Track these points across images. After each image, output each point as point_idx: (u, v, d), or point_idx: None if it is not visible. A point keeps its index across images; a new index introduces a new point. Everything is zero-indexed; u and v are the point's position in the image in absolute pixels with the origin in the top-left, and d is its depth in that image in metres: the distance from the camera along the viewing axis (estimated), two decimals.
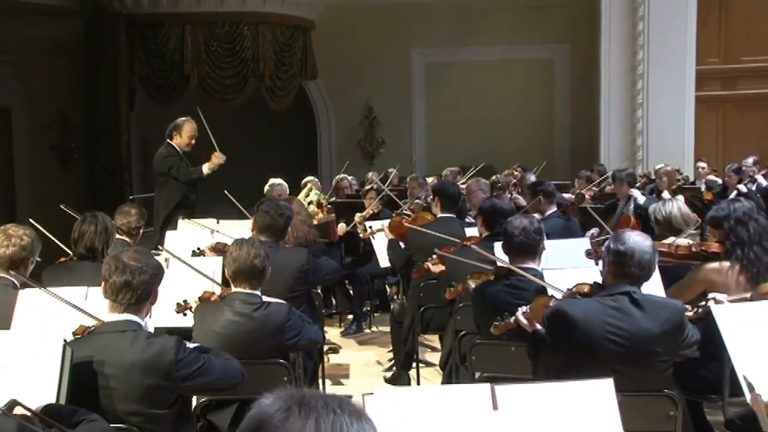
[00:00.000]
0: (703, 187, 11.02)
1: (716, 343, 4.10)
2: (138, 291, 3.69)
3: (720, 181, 11.22)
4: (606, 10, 13.61)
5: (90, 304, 4.16)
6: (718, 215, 5.23)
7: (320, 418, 1.47)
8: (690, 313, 4.15)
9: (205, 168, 8.40)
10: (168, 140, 8.47)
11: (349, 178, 11.63)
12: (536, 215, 7.19)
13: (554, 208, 8.35)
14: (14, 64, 14.73)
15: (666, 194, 9.07)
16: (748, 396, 3.58)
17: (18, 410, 2.79)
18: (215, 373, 3.77)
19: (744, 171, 10.85)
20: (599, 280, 4.25)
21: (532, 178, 10.50)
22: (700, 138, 13.70)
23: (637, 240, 4.01)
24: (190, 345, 3.83)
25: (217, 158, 8.42)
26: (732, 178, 10.86)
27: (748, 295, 4.62)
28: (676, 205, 6.00)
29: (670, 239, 5.51)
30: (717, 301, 4.40)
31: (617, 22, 13.57)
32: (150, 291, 3.76)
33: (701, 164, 12.14)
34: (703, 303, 4.38)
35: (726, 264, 5.04)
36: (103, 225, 5.49)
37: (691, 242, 5.43)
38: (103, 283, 3.75)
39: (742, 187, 10.45)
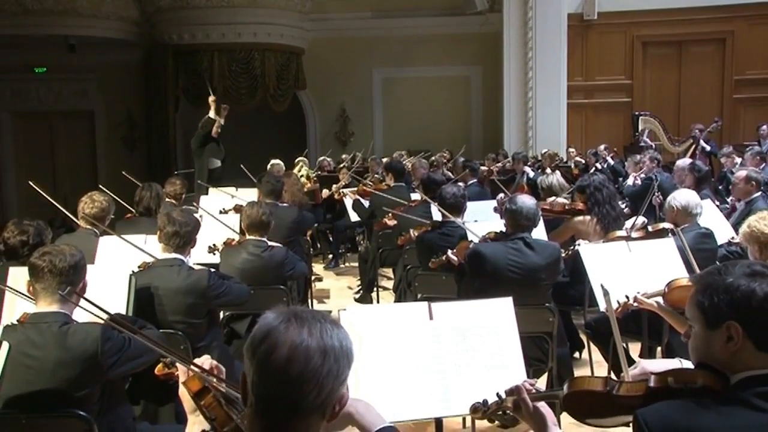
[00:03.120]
0: (572, 165, 11.08)
1: (580, 272, 4.16)
2: (183, 238, 3.69)
3: (583, 161, 11.30)
4: (507, 41, 13.57)
5: (147, 247, 4.12)
6: (583, 184, 5.28)
7: (310, 325, 1.44)
8: (564, 255, 4.18)
9: (211, 113, 8.10)
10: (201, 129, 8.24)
11: (328, 159, 11.53)
12: (461, 184, 7.21)
13: (474, 180, 8.39)
14: (97, 80, 14.85)
15: (548, 170, 9.11)
16: (602, 301, 3.62)
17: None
18: (233, 293, 3.79)
19: (599, 154, 10.93)
20: (503, 229, 4.26)
21: (461, 160, 10.48)
22: (570, 132, 13.76)
23: (525, 200, 4.00)
24: (217, 272, 3.82)
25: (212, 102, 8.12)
26: (591, 159, 10.95)
27: (602, 240, 4.67)
28: (555, 178, 6.03)
29: (551, 198, 5.55)
30: (581, 245, 4.46)
31: (514, 51, 13.55)
32: (191, 238, 3.75)
33: (571, 150, 12.20)
34: (573, 247, 4.43)
35: (587, 218, 5.10)
36: (156, 192, 5.43)
37: (565, 202, 5.47)
38: (158, 232, 3.75)
39: (598, 165, 10.54)
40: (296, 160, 9.97)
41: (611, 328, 3.85)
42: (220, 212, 5.99)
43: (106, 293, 3.27)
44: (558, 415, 2.21)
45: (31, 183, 5.15)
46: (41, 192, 5.04)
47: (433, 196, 5.56)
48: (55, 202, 5.10)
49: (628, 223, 4.83)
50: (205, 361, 1.95)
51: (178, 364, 1.99)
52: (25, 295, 2.87)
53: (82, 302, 2.76)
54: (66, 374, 2.60)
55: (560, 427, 1.95)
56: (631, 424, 1.67)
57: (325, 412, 1.45)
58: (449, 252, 4.23)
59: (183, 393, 1.86)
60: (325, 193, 8.92)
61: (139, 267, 3.77)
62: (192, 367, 1.92)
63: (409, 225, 5.42)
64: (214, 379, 1.88)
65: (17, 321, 2.78)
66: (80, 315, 2.82)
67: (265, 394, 1.43)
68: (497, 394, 2.00)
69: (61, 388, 2.60)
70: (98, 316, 2.68)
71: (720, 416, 1.58)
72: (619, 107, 14.13)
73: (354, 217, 7.80)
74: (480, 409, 2.05)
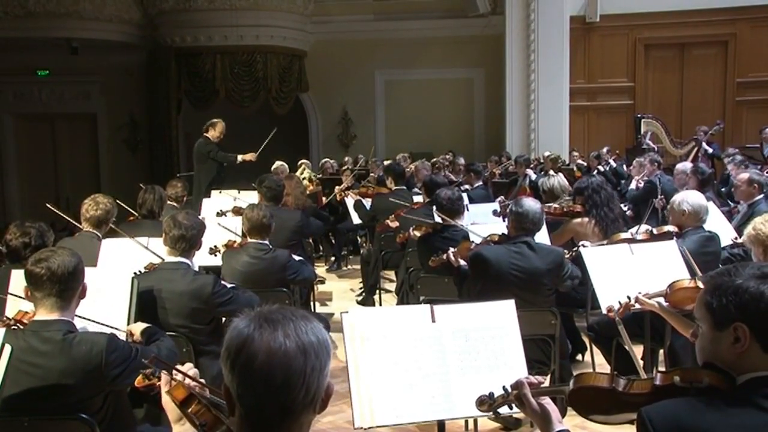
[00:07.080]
0: (574, 168, 11.06)
1: (582, 273, 4.15)
2: (189, 241, 3.66)
3: (585, 163, 11.29)
4: (509, 44, 13.57)
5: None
6: (580, 186, 5.29)
7: (284, 326, 1.41)
8: (567, 256, 4.18)
9: (240, 157, 8.26)
10: (205, 133, 8.29)
11: (331, 161, 11.54)
12: (467, 186, 7.20)
13: (480, 182, 8.40)
14: (99, 83, 14.97)
15: (551, 172, 9.09)
16: (605, 302, 3.64)
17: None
18: (240, 304, 3.71)
19: (601, 157, 10.92)
20: (506, 231, 4.25)
21: (462, 160, 10.47)
22: (573, 134, 13.74)
23: (530, 204, 4.01)
24: (224, 282, 3.79)
25: (251, 156, 8.31)
26: (593, 162, 10.93)
27: (605, 242, 4.66)
28: (557, 180, 6.01)
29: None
30: (584, 247, 4.45)
31: (517, 53, 13.55)
32: (196, 241, 3.73)
33: (573, 152, 12.19)
34: (575, 249, 4.42)
35: (586, 219, 5.12)
36: (159, 194, 5.42)
37: (564, 204, 5.46)
38: (164, 235, 3.70)
39: (600, 168, 10.53)
40: (298, 163, 9.98)
41: (614, 330, 3.87)
42: (218, 214, 5.98)
43: (108, 296, 3.27)
44: (563, 411, 2.20)
45: (48, 205, 5.17)
46: (58, 212, 5.06)
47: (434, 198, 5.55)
48: (67, 217, 5.13)
49: (632, 231, 4.81)
50: (189, 370, 1.94)
51: (161, 374, 1.97)
52: (24, 298, 2.86)
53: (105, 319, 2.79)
54: (68, 383, 2.57)
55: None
56: (635, 422, 1.68)
57: (316, 407, 1.44)
58: (450, 251, 4.22)
59: (167, 402, 1.84)
60: (324, 199, 8.92)
61: (145, 268, 3.76)
62: (175, 375, 1.91)
63: (410, 227, 5.41)
64: (197, 386, 1.87)
65: (13, 319, 2.76)
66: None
67: (253, 405, 1.40)
68: (503, 387, 2.01)
69: (63, 396, 2.58)
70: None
71: (725, 416, 1.58)
72: (622, 110, 14.11)
73: (356, 219, 7.80)
74: (486, 402, 2.06)
